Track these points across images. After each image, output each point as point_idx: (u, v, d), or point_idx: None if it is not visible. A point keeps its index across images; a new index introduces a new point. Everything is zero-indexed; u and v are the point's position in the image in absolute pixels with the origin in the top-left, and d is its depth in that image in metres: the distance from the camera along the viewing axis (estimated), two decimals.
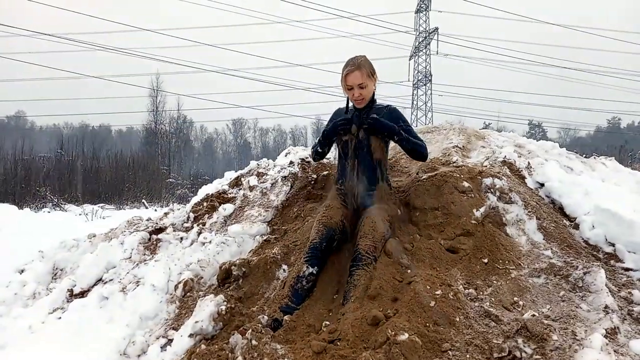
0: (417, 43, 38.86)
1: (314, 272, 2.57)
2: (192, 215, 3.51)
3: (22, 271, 3.58)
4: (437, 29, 37.68)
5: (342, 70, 2.85)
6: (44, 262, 3.57)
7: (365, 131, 2.81)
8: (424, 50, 38.93)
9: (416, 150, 2.83)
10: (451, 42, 38.80)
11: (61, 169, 21.29)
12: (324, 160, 3.63)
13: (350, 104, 2.96)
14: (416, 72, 39.54)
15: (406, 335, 2.01)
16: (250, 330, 2.15)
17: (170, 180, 25.13)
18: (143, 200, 19.15)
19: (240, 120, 67.43)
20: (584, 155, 4.42)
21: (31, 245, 4.45)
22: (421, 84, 39.42)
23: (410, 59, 39.82)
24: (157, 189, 22.54)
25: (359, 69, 2.79)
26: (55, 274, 3.51)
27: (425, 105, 39.31)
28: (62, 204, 16.71)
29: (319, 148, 2.97)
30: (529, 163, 3.36)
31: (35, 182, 18.45)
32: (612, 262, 2.69)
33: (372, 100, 2.92)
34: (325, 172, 3.57)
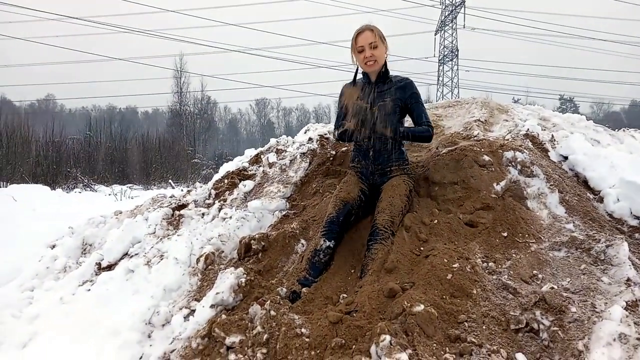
0: (443, 17, 37.90)
1: (331, 245, 2.60)
2: (213, 192, 3.58)
3: (54, 246, 3.72)
4: (464, 1, 36.61)
5: (353, 35, 2.82)
6: (73, 237, 3.70)
7: (379, 110, 2.78)
8: (450, 25, 37.94)
9: (419, 137, 2.84)
10: (479, 15, 37.67)
11: (90, 150, 21.80)
12: None
13: (359, 76, 2.92)
14: (442, 47, 38.65)
15: (422, 306, 2.03)
16: (269, 302, 2.20)
17: (196, 160, 25.48)
18: (170, 181, 19.51)
19: (263, 100, 67.60)
20: (616, 130, 4.29)
21: (64, 223, 4.61)
22: (447, 59, 38.57)
23: (436, 34, 38.92)
24: (183, 170, 22.90)
25: (369, 29, 2.77)
26: (85, 249, 3.64)
27: (452, 81, 38.53)
28: (92, 184, 17.19)
29: (346, 140, 3.00)
30: (552, 136, 3.29)
31: (67, 163, 18.98)
32: (636, 235, 2.63)
33: (385, 70, 2.86)
34: (344, 148, 3.57)
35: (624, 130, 4.20)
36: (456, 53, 38.10)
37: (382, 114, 2.75)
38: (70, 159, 19.89)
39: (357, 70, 2.90)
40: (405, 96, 2.81)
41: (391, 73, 2.89)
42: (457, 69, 38.52)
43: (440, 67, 38.93)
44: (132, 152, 22.82)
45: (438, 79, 39.19)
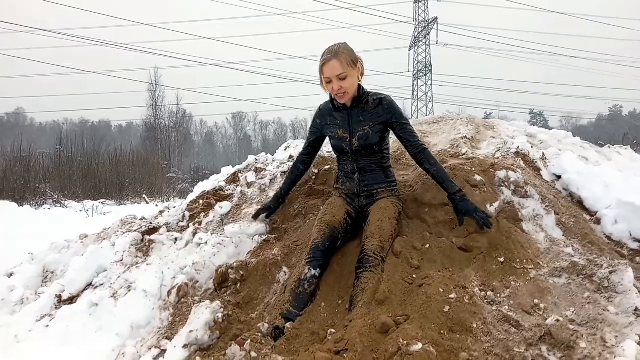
0: (416, 33, 38.49)
1: (317, 274, 2.39)
2: (187, 213, 3.33)
3: (11, 275, 3.40)
4: (436, 18, 37.30)
5: (319, 64, 2.49)
6: (33, 264, 3.40)
7: (359, 140, 2.57)
8: (424, 41, 38.56)
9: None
10: (451, 31, 38.43)
11: (61, 165, 21.08)
12: (326, 154, 3.44)
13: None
14: (416, 62, 39.20)
15: (419, 344, 1.84)
16: (249, 341, 1.98)
17: (171, 175, 24.95)
18: (144, 196, 18.98)
19: (240, 113, 67.12)
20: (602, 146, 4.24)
21: (29, 245, 4.27)
22: (421, 74, 39.11)
23: (410, 50, 39.47)
24: (157, 184, 22.35)
25: (336, 57, 2.41)
26: (46, 277, 3.34)
27: (426, 95, 39.02)
28: (62, 200, 16.55)
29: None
30: (543, 154, 3.17)
31: (35, 179, 18.26)
32: (637, 259, 2.50)
33: (361, 93, 2.56)
34: (327, 167, 3.37)
35: (609, 147, 4.15)
36: (430, 68, 38.67)
37: (365, 145, 2.55)
38: (39, 174, 19.16)
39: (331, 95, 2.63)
40: (387, 118, 2.57)
41: (367, 90, 2.61)
42: (431, 84, 39.10)
43: (415, 82, 39.41)
44: (105, 166, 22.17)
45: (413, 94, 39.63)
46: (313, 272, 2.37)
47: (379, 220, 2.48)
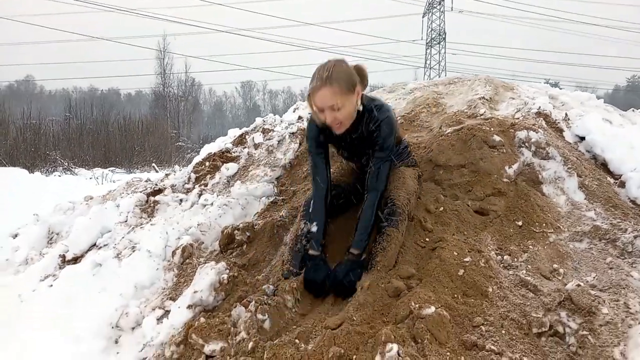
0: None
1: (313, 229, 2.14)
2: (193, 175, 3.24)
3: (16, 235, 3.37)
4: None
5: (308, 90, 2.04)
6: (38, 225, 3.35)
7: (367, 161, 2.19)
8: (438, 7, 37.44)
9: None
10: None
11: (70, 132, 21.09)
12: None
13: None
14: (429, 30, 38.18)
15: (432, 308, 1.75)
16: (253, 302, 1.90)
17: (180, 143, 24.90)
18: (153, 164, 19.00)
19: (249, 82, 66.52)
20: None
21: (37, 210, 4.24)
22: (435, 42, 38.14)
23: (423, 17, 38.40)
24: (166, 153, 22.34)
25: (328, 85, 1.95)
26: (51, 238, 3.29)
27: (439, 64, 38.18)
28: (72, 167, 16.62)
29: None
30: (566, 114, 3.01)
31: (45, 146, 18.31)
32: None
33: (360, 115, 2.10)
34: None
35: (632, 111, 3.95)
36: (444, 36, 37.68)
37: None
38: (50, 141, 19.21)
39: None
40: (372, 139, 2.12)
41: (366, 103, 2.13)
42: (445, 52, 38.16)
43: (428, 50, 38.52)
44: (114, 134, 22.15)
45: (425, 62, 38.79)
46: (309, 226, 2.18)
47: (403, 176, 2.32)
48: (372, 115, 2.11)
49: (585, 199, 2.47)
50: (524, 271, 2.07)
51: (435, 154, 2.68)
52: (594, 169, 2.68)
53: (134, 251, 2.53)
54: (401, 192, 2.18)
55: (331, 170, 2.29)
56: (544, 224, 2.31)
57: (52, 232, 3.31)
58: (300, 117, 3.40)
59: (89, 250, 2.76)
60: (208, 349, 1.81)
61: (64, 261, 2.74)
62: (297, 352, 1.68)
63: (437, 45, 38.12)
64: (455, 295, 1.92)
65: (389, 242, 2.07)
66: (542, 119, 2.93)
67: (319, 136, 2.19)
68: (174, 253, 2.42)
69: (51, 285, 2.56)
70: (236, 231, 2.44)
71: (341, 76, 1.98)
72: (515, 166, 2.49)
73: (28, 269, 2.85)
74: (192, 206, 2.81)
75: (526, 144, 2.58)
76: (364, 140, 2.17)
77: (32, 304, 2.43)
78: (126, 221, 2.82)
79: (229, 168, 3.11)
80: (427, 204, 2.44)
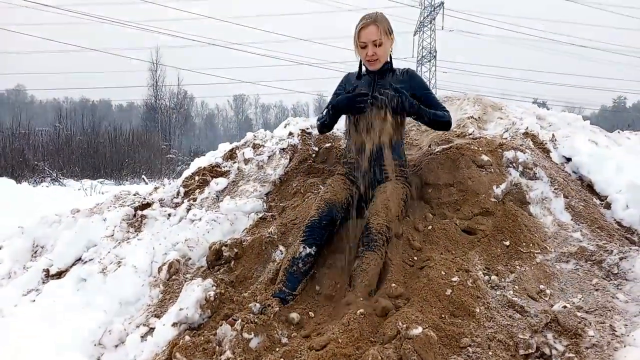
0: (422, 18, 37.91)
1: (312, 252, 2.25)
2: (182, 190, 3.22)
3: (0, 248, 3.31)
4: (442, 3, 36.64)
5: (356, 26, 2.50)
6: (23, 238, 3.30)
7: (383, 105, 2.42)
8: (429, 26, 37.98)
9: (437, 121, 2.50)
10: (457, 16, 37.85)
11: (60, 143, 20.91)
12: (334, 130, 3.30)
13: (363, 69, 2.62)
14: (421, 48, 38.67)
15: (420, 329, 1.74)
16: (239, 321, 1.88)
17: (171, 156, 24.79)
18: (143, 176, 18.86)
19: (241, 96, 66.69)
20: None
21: (23, 222, 4.17)
22: (425, 60, 38.61)
23: (414, 35, 38.93)
24: (157, 165, 22.22)
25: (374, 24, 2.45)
26: (36, 252, 3.24)
27: (430, 82, 38.57)
28: (60, 178, 16.44)
29: (326, 120, 2.60)
30: (553, 135, 3.05)
31: (34, 156, 18.12)
32: None
33: (388, 63, 2.57)
34: (327, 145, 3.26)
35: (618, 132, 4.01)
36: (434, 54, 38.18)
37: (386, 94, 2.40)
38: (38, 151, 19.02)
39: (361, 62, 2.60)
40: (412, 86, 2.51)
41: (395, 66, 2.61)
42: (435, 71, 38.62)
43: (419, 68, 38.93)
44: (104, 145, 22.00)
45: None
46: (308, 250, 2.25)
47: (386, 200, 2.35)
48: (401, 68, 2.60)
49: (571, 219, 2.50)
50: (511, 291, 2.07)
51: (425, 172, 2.69)
52: (580, 190, 2.71)
53: (119, 266, 2.49)
54: (379, 219, 2.25)
55: (328, 189, 2.46)
56: (531, 244, 2.33)
57: (36, 245, 3.26)
58: (291, 133, 3.40)
59: (73, 264, 2.72)
60: None
61: (48, 275, 2.70)
62: None
63: (428, 64, 38.60)
64: (443, 316, 1.91)
65: (368, 264, 2.14)
66: (529, 139, 2.97)
67: (343, 84, 2.67)
68: (160, 269, 2.39)
69: (34, 300, 2.52)
70: (224, 247, 2.42)
71: (385, 21, 2.50)
72: (503, 186, 2.51)
73: (10, 282, 2.80)
74: (180, 221, 2.79)
75: (514, 164, 2.61)
76: (389, 82, 2.51)
77: (14, 319, 2.38)
78: (113, 235, 2.79)
79: (219, 183, 3.10)
80: (416, 223, 2.45)
